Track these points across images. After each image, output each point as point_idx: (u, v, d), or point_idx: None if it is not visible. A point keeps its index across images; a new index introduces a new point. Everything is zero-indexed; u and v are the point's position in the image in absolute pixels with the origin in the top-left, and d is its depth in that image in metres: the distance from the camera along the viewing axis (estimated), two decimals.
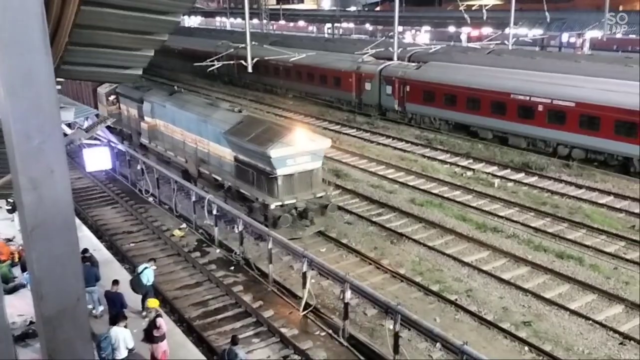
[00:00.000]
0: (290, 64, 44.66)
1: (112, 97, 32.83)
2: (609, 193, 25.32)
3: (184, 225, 23.12)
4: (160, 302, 14.98)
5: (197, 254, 20.73)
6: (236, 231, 20.31)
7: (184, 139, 25.76)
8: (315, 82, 45.84)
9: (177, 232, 22.50)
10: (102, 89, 33.48)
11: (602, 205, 23.95)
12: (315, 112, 43.26)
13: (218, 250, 20.85)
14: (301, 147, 20.10)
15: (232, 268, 19.53)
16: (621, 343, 15.01)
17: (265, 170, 20.45)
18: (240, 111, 24.14)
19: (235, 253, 20.18)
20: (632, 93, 26.35)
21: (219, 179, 23.14)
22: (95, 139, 23.18)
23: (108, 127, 28.84)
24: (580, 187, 26.21)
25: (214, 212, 20.88)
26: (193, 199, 22.62)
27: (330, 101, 44.65)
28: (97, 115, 25.95)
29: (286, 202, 20.24)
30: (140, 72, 8.26)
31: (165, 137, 27.59)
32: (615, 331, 15.43)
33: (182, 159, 25.86)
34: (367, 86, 40.75)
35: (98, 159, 21.66)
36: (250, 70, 37.20)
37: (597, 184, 26.47)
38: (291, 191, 20.41)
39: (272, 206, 20.03)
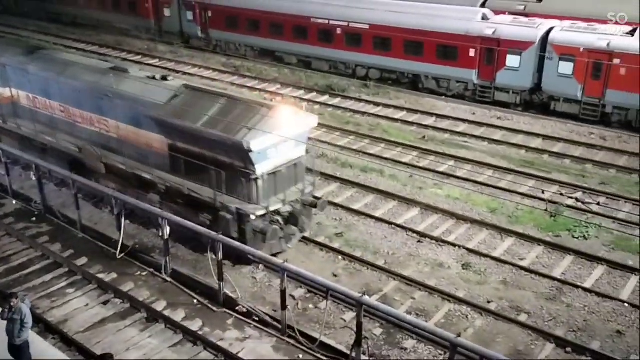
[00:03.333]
0: None
1: None
2: (402, 109, 27.78)
3: None
4: None
5: None
6: (33, 178, 18.51)
7: (72, 119, 19.00)
8: (107, 9, 42.02)
9: None
10: None
11: (397, 120, 26.24)
12: (112, 42, 40.02)
13: (14, 202, 18.89)
14: (285, 132, 14.50)
15: (34, 219, 17.93)
16: (419, 241, 17.02)
17: (235, 167, 14.86)
18: (165, 78, 17.43)
19: (36, 202, 18.46)
20: (418, 14, 28.63)
21: (147, 177, 16.73)
22: None
23: None
24: (377, 104, 28.32)
25: (4, 159, 18.67)
26: None
27: (128, 29, 41.50)
28: None
29: (272, 208, 15.06)
30: None
31: (35, 115, 19.96)
32: (414, 231, 17.42)
33: (73, 147, 18.73)
34: (167, 12, 38.58)
35: None
36: None
37: (392, 101, 28.80)
38: (275, 191, 15.27)
39: (253, 216, 14.73)
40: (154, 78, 17.46)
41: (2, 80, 20.71)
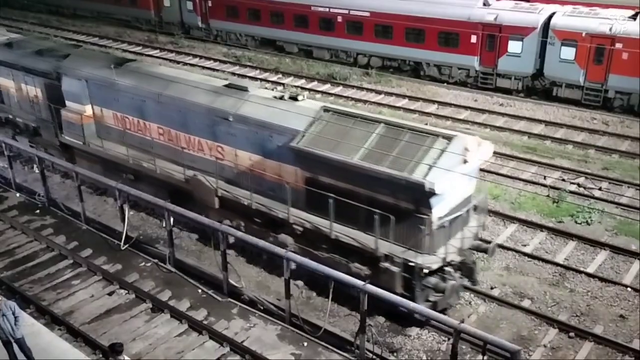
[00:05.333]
0: None
1: None
2: (404, 96, 27.69)
3: None
4: None
5: None
6: (36, 171, 18.55)
7: (175, 144, 16.50)
8: (107, 0, 41.86)
9: None
10: None
11: (398, 108, 26.17)
12: (112, 33, 39.92)
13: (18, 194, 18.93)
14: (467, 168, 12.32)
15: (38, 211, 17.97)
16: None
17: (402, 209, 12.39)
18: (295, 98, 14.70)
19: (39, 195, 18.52)
20: (419, 1, 28.47)
21: (278, 214, 14.21)
22: None
23: None
24: (379, 93, 28.23)
25: (7, 152, 18.72)
26: None
27: (128, 21, 41.38)
28: None
29: (448, 259, 12.63)
30: None
31: (125, 137, 17.45)
32: None
33: (178, 176, 16.23)
34: (166, 2, 38.43)
35: None
36: None
37: (394, 89, 28.70)
38: (448, 238, 12.75)
39: (425, 270, 12.30)
40: (282, 98, 14.77)
41: (84, 97, 18.19)
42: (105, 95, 17.81)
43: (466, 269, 13.34)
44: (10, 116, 21.09)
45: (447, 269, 12.74)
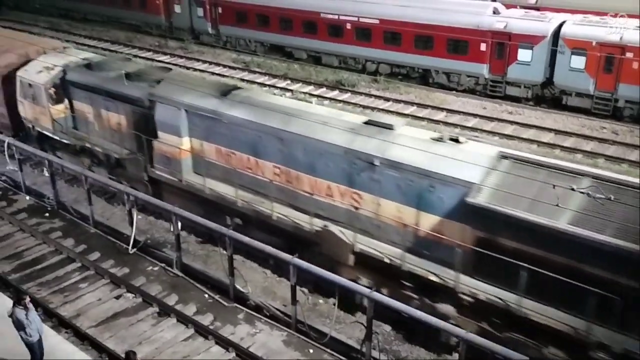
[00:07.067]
0: None
1: (52, 90, 19.25)
2: (412, 103, 27.68)
3: None
4: None
5: (3, 203, 18.72)
6: (46, 174, 18.64)
7: (296, 186, 14.40)
8: (118, 5, 42.24)
9: None
10: (29, 74, 19.75)
11: (407, 115, 26.14)
12: (122, 38, 40.21)
13: (28, 197, 19.04)
14: None
15: (47, 214, 18.06)
16: None
17: (624, 287, 10.12)
18: (457, 140, 12.61)
19: (48, 198, 18.62)
20: (429, 8, 28.50)
21: (439, 278, 12.08)
22: None
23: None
24: (387, 99, 28.25)
25: (17, 155, 18.85)
26: None
27: (138, 25, 41.67)
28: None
29: None
30: None
31: (231, 174, 15.26)
32: None
33: (304, 225, 13.99)
34: (177, 8, 38.68)
35: None
36: None
37: (402, 96, 28.70)
38: None
39: None
40: (440, 140, 12.74)
41: (182, 128, 16.14)
42: (207, 127, 15.67)
43: None
44: (88, 145, 18.94)
45: None
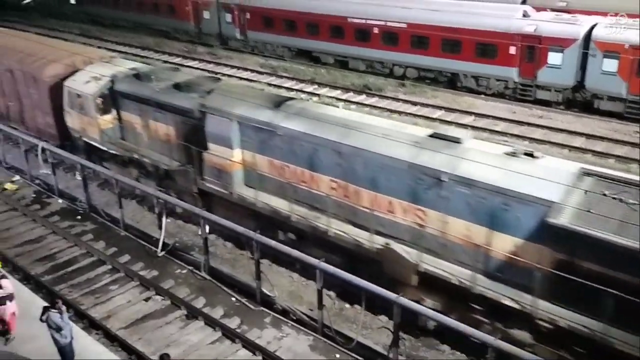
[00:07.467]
0: None
1: (99, 100, 19.11)
2: (439, 107, 27.49)
3: (17, 177, 21.12)
4: (0, 262, 13.79)
5: (37, 206, 19.19)
6: (78, 178, 19.02)
7: (353, 201, 13.91)
8: (147, 11, 42.97)
9: (9, 186, 20.50)
10: (77, 84, 19.66)
11: (434, 119, 25.96)
12: (152, 43, 40.84)
13: (60, 200, 19.46)
14: None
15: (79, 217, 18.42)
16: None
17: None
18: (532, 155, 12.00)
19: (80, 201, 18.99)
20: (457, 12, 28.29)
21: (516, 303, 11.32)
22: None
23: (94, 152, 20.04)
24: (415, 104, 28.09)
25: (51, 160, 19.28)
26: (23, 147, 20.65)
27: (167, 31, 42.31)
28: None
29: None
30: None
31: (284, 188, 14.91)
32: None
33: (364, 242, 13.46)
34: (206, 14, 39.15)
35: None
36: (72, 0, 33.68)
37: (429, 100, 28.52)
38: None
39: None
40: (514, 154, 12.03)
41: (234, 140, 15.78)
42: (260, 139, 15.33)
43: None
44: (136, 156, 18.73)
45: None
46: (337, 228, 13.92)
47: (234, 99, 15.87)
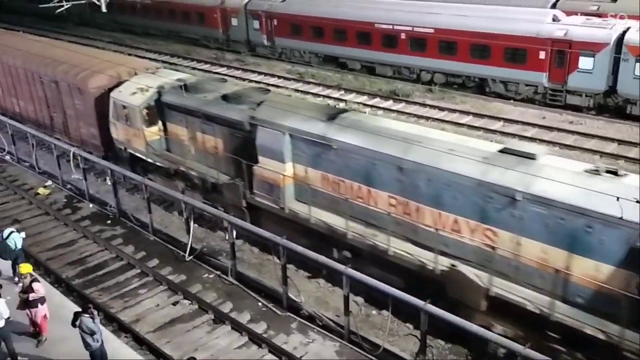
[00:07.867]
0: (149, 1, 41.96)
1: (145, 112, 18.96)
2: (468, 113, 27.22)
3: (50, 182, 21.59)
4: (32, 265, 14.06)
5: (68, 210, 19.57)
6: (108, 183, 19.33)
7: (414, 219, 13.34)
8: (177, 20, 43.61)
9: (42, 190, 20.97)
10: (123, 96, 19.58)
11: (462, 125, 25.72)
12: (181, 51, 41.44)
13: (91, 205, 19.81)
14: None
15: (109, 222, 18.72)
16: None
17: None
18: (616, 173, 11.27)
19: (110, 206, 19.30)
20: (485, 17, 28.04)
21: (603, 334, 10.49)
22: None
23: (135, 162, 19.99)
24: (442, 109, 27.87)
25: (82, 165, 19.66)
26: (56, 153, 21.10)
27: (196, 39, 42.87)
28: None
29: None
30: None
31: (343, 205, 14.15)
32: None
33: (429, 263, 12.69)
34: (234, 22, 39.56)
35: None
36: (104, 9, 34.39)
37: (457, 105, 28.27)
38: None
39: None
40: (596, 172, 11.26)
41: (285, 154, 15.35)
42: (313, 152, 14.87)
43: None
44: (182, 168, 18.49)
45: None
46: (397, 247, 13.27)
47: (286, 110, 15.31)
